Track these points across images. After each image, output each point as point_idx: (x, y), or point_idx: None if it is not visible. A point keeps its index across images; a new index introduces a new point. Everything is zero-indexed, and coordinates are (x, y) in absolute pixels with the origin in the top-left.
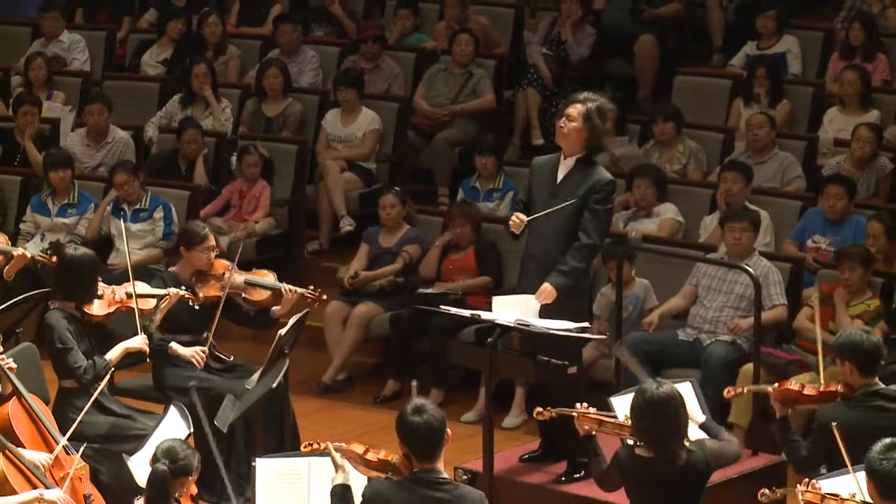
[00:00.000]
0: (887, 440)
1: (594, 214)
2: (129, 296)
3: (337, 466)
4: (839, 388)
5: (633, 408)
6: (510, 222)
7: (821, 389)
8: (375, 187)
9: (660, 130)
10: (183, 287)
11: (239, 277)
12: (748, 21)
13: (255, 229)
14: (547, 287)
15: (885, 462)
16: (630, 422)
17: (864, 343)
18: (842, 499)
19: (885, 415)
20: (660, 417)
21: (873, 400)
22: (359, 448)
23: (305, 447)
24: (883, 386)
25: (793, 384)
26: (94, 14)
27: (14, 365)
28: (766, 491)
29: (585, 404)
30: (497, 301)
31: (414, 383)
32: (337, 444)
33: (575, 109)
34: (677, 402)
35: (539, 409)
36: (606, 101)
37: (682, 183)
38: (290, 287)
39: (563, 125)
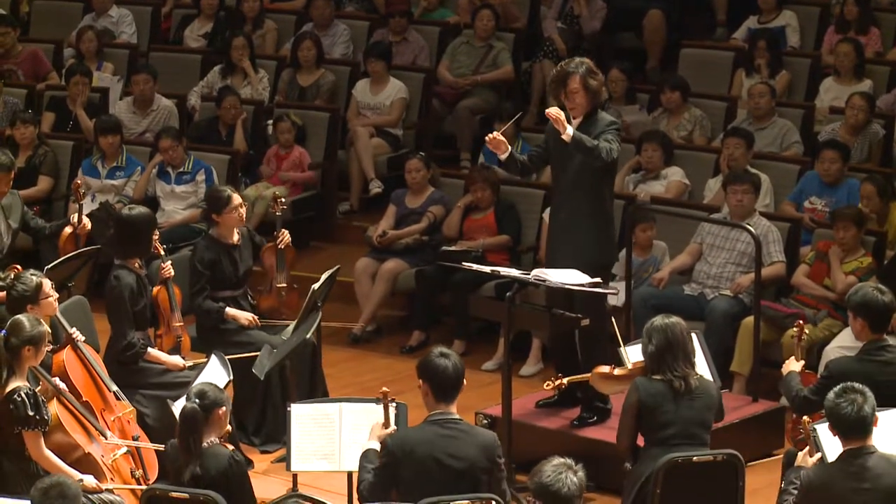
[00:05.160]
0: (841, 385)
1: (607, 137)
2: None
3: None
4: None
5: (643, 335)
6: (486, 138)
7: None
8: (402, 152)
9: (667, 99)
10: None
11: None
12: None
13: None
14: (566, 125)
15: (840, 403)
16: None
17: (878, 303)
18: None
19: (886, 369)
20: (668, 336)
21: (879, 355)
22: (383, 433)
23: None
24: (890, 342)
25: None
26: None
27: (82, 337)
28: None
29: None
30: (549, 272)
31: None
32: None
33: (574, 82)
34: (683, 328)
35: (548, 381)
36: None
37: (687, 148)
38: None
39: (572, 106)
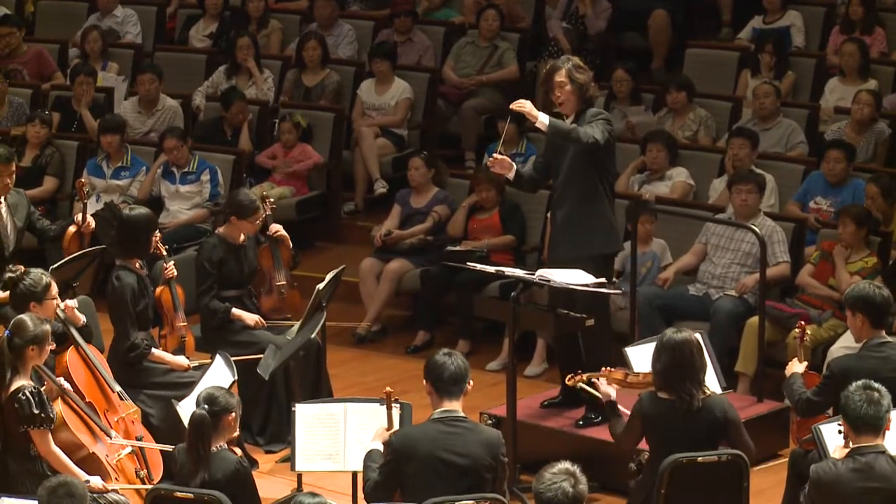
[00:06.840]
0: (862, 381)
1: (591, 124)
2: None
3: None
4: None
5: (654, 351)
6: (488, 163)
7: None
8: (407, 152)
9: (672, 99)
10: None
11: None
12: None
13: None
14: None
15: (855, 396)
16: (651, 371)
17: (875, 297)
18: None
19: (888, 365)
20: (675, 356)
21: (881, 351)
22: (385, 435)
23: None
24: (890, 339)
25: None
26: None
27: (83, 318)
28: None
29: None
30: (554, 272)
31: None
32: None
33: (560, 76)
34: (693, 345)
35: (570, 375)
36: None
37: (692, 148)
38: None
39: (558, 95)
